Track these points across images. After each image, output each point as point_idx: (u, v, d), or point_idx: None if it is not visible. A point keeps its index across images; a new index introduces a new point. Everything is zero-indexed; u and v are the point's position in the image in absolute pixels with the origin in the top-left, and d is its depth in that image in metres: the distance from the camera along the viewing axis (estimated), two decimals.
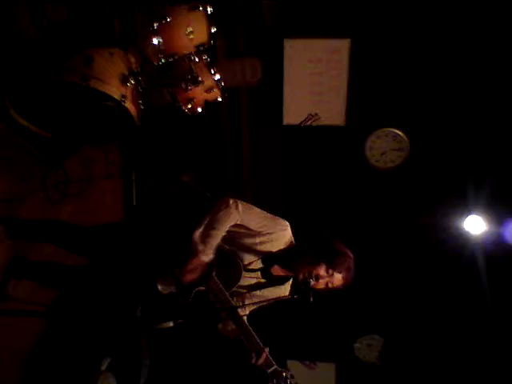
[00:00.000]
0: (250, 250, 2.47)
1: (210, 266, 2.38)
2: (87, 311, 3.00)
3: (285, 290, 2.59)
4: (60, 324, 3.17)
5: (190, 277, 2.35)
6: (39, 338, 3.18)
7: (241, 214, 2.42)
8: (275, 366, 2.31)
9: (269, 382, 2.31)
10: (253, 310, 2.57)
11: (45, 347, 3.20)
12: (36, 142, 3.15)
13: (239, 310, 2.46)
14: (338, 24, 4.23)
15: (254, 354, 2.30)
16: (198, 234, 2.36)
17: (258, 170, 4.73)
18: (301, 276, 2.39)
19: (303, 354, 4.83)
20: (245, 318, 2.51)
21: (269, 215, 2.52)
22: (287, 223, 2.54)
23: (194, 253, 2.34)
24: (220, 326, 2.58)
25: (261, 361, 2.30)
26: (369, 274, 3.66)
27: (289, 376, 2.34)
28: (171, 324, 1.95)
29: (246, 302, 2.51)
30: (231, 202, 2.42)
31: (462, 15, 3.97)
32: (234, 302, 2.45)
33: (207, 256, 2.35)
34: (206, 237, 2.36)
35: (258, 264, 2.51)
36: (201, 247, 2.34)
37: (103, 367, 3.19)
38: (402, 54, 4.19)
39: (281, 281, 2.55)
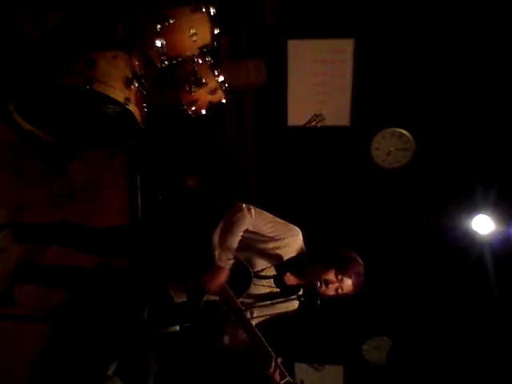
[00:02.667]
0: (263, 255, 2.46)
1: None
2: (94, 315, 2.99)
3: (295, 304, 2.55)
4: (66, 328, 3.16)
5: (215, 285, 2.33)
6: (46, 342, 3.17)
7: (253, 219, 2.41)
8: (288, 378, 2.22)
9: None
10: (260, 323, 2.53)
11: (51, 351, 3.19)
12: (40, 147, 3.15)
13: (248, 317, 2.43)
14: (342, 24, 4.22)
15: (272, 364, 2.20)
16: (216, 240, 2.36)
17: (263, 172, 4.72)
18: (311, 282, 2.38)
19: (311, 356, 4.81)
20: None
21: (280, 221, 2.51)
22: (298, 229, 2.53)
23: (215, 260, 2.34)
24: (227, 339, 2.55)
25: (273, 371, 2.19)
26: (376, 275, 3.64)
27: None
28: (178, 328, 1.94)
29: (255, 315, 2.50)
30: (244, 207, 2.42)
31: (466, 14, 3.95)
32: (244, 309, 2.41)
33: (228, 262, 2.35)
34: (224, 242, 2.35)
35: (271, 271, 2.49)
36: (222, 254, 2.34)
37: (110, 371, 3.18)
38: (406, 53, 4.17)
39: (293, 291, 2.51)
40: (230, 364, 3.87)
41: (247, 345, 2.39)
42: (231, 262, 2.36)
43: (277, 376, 2.19)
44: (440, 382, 4.50)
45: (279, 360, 2.23)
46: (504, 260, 4.04)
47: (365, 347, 4.82)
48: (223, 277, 2.33)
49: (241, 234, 2.39)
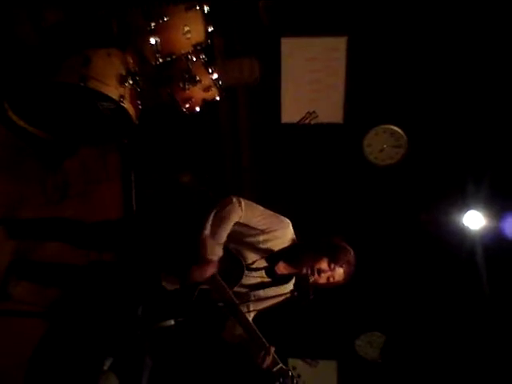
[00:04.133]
0: (253, 248, 2.48)
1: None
2: (88, 311, 3.00)
3: (288, 288, 2.57)
4: (61, 324, 3.17)
5: (201, 275, 2.33)
6: (41, 338, 3.18)
7: (243, 212, 2.43)
8: (281, 365, 2.29)
9: (275, 381, 2.27)
10: (256, 314, 2.57)
11: (46, 347, 3.20)
12: (35, 144, 3.16)
13: (245, 312, 2.46)
14: (335, 22, 4.24)
15: (262, 354, 2.26)
16: (205, 232, 2.36)
17: (257, 169, 4.73)
18: (304, 271, 2.41)
19: (304, 351, 4.83)
20: (250, 319, 2.50)
21: (270, 213, 2.54)
22: (288, 221, 2.55)
23: (203, 252, 2.34)
24: (224, 331, 2.58)
25: (267, 360, 2.27)
26: (369, 270, 3.67)
27: (295, 375, 2.32)
28: (172, 322, 1.96)
29: (251, 308, 2.53)
30: (234, 199, 2.43)
31: (459, 12, 3.97)
32: (238, 303, 2.44)
33: (217, 254, 2.35)
34: (213, 235, 2.36)
35: (262, 263, 2.51)
36: (211, 246, 2.34)
37: (105, 367, 3.19)
38: (399, 50, 4.19)
39: (284, 280, 2.56)
40: (224, 357, 3.90)
41: (243, 337, 2.43)
42: (220, 253, 2.36)
43: (269, 364, 2.25)
44: (433, 377, 4.53)
45: (272, 349, 2.28)
46: (495, 255, 4.08)
47: (358, 342, 4.85)
48: (211, 268, 2.33)
49: (230, 226, 2.40)
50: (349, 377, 4.95)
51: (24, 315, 2.23)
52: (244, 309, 2.50)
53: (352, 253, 2.46)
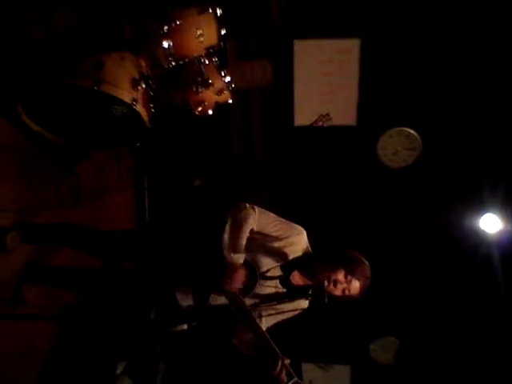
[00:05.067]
0: (268, 256, 2.45)
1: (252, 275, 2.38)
2: (102, 315, 3.00)
3: (303, 305, 2.55)
4: (75, 328, 3.17)
5: (235, 283, 2.34)
6: (55, 341, 3.19)
7: (257, 218, 2.41)
8: (296, 378, 2.20)
9: None
10: (271, 326, 2.54)
11: (60, 351, 3.20)
12: (48, 148, 3.17)
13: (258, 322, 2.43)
14: (348, 24, 4.22)
15: (277, 367, 2.19)
16: (226, 239, 2.36)
17: (270, 172, 4.71)
18: (319, 280, 2.37)
19: (318, 356, 4.79)
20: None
21: (283, 220, 2.51)
22: (302, 229, 2.53)
23: (229, 258, 2.33)
24: (235, 340, 2.56)
25: (280, 371, 2.19)
26: (384, 274, 3.63)
27: None
28: (185, 327, 1.94)
29: (264, 313, 2.49)
30: (247, 205, 2.43)
31: (472, 14, 3.93)
32: (251, 310, 2.41)
33: (240, 258, 2.35)
34: (234, 240, 2.35)
35: (277, 271, 2.47)
36: (233, 252, 2.34)
37: (119, 371, 3.19)
38: (412, 52, 4.16)
39: (300, 292, 2.49)
40: (237, 364, 3.88)
41: (255, 345, 2.40)
42: (243, 258, 2.35)
43: (284, 377, 2.18)
44: (447, 382, 4.48)
45: (287, 361, 2.22)
46: None
47: (372, 347, 4.80)
48: (241, 273, 2.33)
49: (248, 230, 2.39)
50: (362, 381, 4.90)
51: (38, 318, 2.23)
52: (256, 315, 2.47)
53: (369, 267, 2.41)
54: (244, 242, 2.36)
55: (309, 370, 4.73)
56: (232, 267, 2.33)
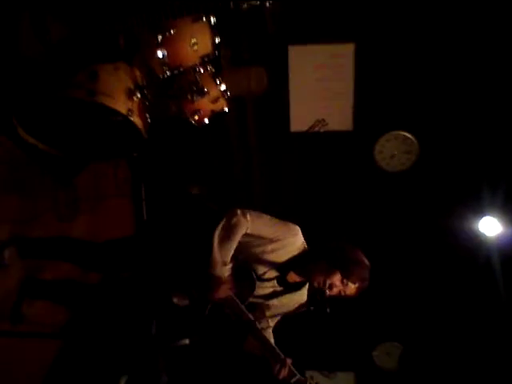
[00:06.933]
0: (263, 258, 2.44)
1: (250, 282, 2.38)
2: (102, 329, 2.97)
3: (302, 294, 2.56)
4: (76, 343, 3.14)
5: (220, 294, 2.33)
6: (55, 357, 3.15)
7: (249, 223, 2.39)
8: (298, 376, 2.29)
9: None
10: (278, 322, 2.57)
11: (61, 367, 3.17)
12: (45, 161, 3.15)
13: (263, 322, 2.48)
14: (342, 29, 4.22)
15: (278, 365, 2.27)
16: (215, 247, 2.34)
17: (267, 178, 4.70)
18: (315, 284, 2.37)
19: (322, 363, 4.77)
20: (270, 330, 2.54)
21: (278, 221, 2.50)
22: (298, 228, 2.51)
23: (214, 269, 2.32)
24: (246, 342, 2.55)
25: (283, 372, 2.27)
26: (384, 280, 3.61)
27: (313, 383, 2.32)
28: (187, 341, 1.93)
29: (267, 314, 2.51)
30: (239, 211, 2.40)
31: (468, 18, 3.94)
32: (252, 314, 2.43)
33: (226, 269, 2.34)
34: (221, 249, 2.34)
35: (273, 273, 2.47)
36: (219, 262, 2.33)
37: None
38: (407, 55, 4.16)
39: (297, 286, 2.53)
40: (239, 371, 3.86)
41: (262, 350, 2.40)
42: (229, 267, 2.35)
43: (286, 375, 2.26)
44: None
45: (289, 361, 2.28)
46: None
47: (375, 353, 4.79)
48: (226, 285, 2.32)
49: (238, 239, 2.37)
50: None
51: (38, 336, 2.21)
52: (265, 323, 2.51)
53: (368, 267, 2.39)
54: (231, 251, 2.36)
55: (313, 377, 4.69)
56: (217, 280, 2.32)
